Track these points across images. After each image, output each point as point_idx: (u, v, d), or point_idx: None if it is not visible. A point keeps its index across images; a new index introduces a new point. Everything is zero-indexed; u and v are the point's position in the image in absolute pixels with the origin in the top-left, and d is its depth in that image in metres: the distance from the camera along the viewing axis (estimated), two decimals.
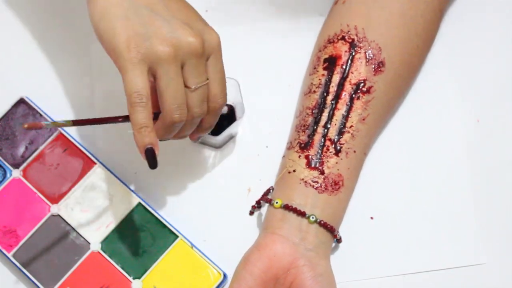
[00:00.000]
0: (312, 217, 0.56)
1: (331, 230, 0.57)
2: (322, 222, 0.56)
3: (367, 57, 0.59)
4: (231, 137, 0.64)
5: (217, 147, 0.64)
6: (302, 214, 0.56)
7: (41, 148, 0.63)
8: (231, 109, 0.62)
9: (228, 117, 0.62)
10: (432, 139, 0.64)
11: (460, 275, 0.60)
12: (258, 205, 0.61)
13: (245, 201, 0.62)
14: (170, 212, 0.62)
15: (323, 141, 0.58)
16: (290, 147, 0.60)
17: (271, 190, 0.60)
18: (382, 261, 0.60)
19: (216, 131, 0.61)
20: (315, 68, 0.62)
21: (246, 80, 0.66)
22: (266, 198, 0.59)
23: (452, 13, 0.68)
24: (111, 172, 0.63)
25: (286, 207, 0.57)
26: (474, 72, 0.67)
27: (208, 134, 0.60)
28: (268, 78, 0.67)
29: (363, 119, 0.59)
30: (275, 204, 0.57)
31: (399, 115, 0.65)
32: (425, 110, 0.65)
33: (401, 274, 0.60)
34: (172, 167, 0.64)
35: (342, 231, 0.61)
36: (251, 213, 0.62)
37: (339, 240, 0.59)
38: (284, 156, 0.61)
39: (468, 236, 0.61)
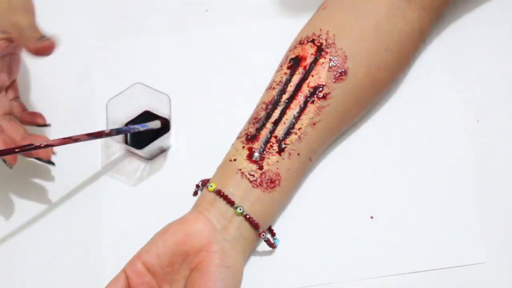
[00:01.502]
0: (240, 209, 0.57)
1: (255, 226, 0.57)
2: (247, 216, 0.57)
3: (331, 63, 0.60)
4: (162, 151, 0.64)
5: (147, 159, 0.64)
6: (231, 203, 0.57)
7: None
8: (166, 123, 0.62)
9: (159, 131, 0.62)
10: (432, 139, 0.64)
11: (460, 274, 0.60)
12: (202, 185, 0.61)
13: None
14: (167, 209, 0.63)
15: (268, 137, 0.59)
16: (238, 136, 0.61)
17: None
18: (382, 261, 0.60)
19: (143, 144, 0.61)
20: (281, 66, 0.62)
21: (245, 79, 0.66)
22: (203, 180, 0.60)
23: (452, 13, 0.68)
24: None
25: (218, 193, 0.57)
26: (474, 72, 0.67)
27: (132, 146, 0.61)
28: (268, 76, 0.67)
29: (314, 124, 0.59)
30: (209, 187, 0.58)
31: (399, 115, 0.65)
32: (425, 110, 0.65)
33: (401, 273, 0.60)
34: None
35: (342, 231, 0.61)
36: (195, 193, 0.62)
37: (271, 245, 0.59)
38: (232, 144, 0.61)
39: (468, 235, 0.61)
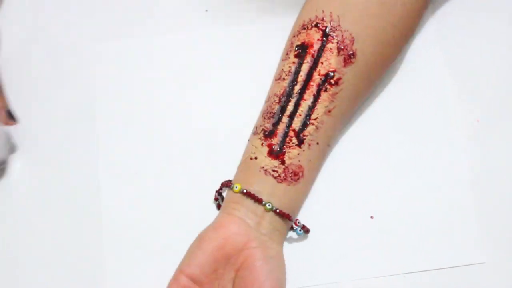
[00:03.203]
0: (268, 205, 0.57)
1: (287, 217, 0.58)
2: (278, 211, 0.57)
3: (339, 47, 0.59)
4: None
5: None
6: (259, 201, 0.57)
7: None
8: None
9: None
10: (432, 139, 0.64)
11: (460, 274, 0.60)
12: (219, 194, 0.61)
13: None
14: (167, 208, 0.63)
15: (286, 131, 0.59)
16: (255, 132, 0.60)
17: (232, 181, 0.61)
18: (382, 261, 0.60)
19: None
20: (287, 54, 0.61)
21: (246, 78, 0.66)
22: (226, 182, 0.60)
23: (452, 12, 0.68)
24: None
25: (245, 193, 0.57)
26: (474, 72, 0.67)
27: None
28: (268, 76, 0.66)
29: (329, 111, 0.59)
30: (234, 188, 0.58)
31: (399, 115, 0.65)
32: (425, 110, 0.65)
33: (401, 273, 0.60)
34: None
35: (341, 231, 0.61)
36: (216, 199, 0.62)
37: (306, 230, 0.59)
38: (249, 140, 0.61)
39: (468, 235, 0.61)
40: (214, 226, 0.57)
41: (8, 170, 0.64)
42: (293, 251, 0.60)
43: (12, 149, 0.63)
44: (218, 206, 0.61)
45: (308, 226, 0.61)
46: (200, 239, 0.56)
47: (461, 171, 0.63)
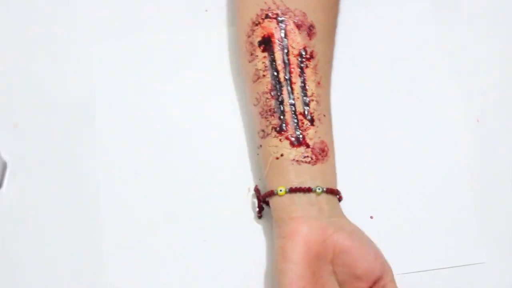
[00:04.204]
0: (318, 189, 0.57)
1: (337, 193, 0.58)
2: (327, 190, 0.57)
3: (297, 25, 0.60)
4: None
5: None
6: (308, 190, 0.57)
7: None
8: None
9: None
10: (431, 138, 0.64)
11: (460, 274, 0.60)
12: (261, 207, 0.61)
13: (244, 201, 0.62)
14: (167, 208, 0.63)
15: (295, 117, 0.59)
16: (264, 135, 0.60)
17: (258, 187, 0.61)
18: None
19: None
20: (251, 54, 0.61)
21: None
22: (267, 193, 0.59)
23: (452, 12, 0.68)
24: None
25: (291, 190, 0.57)
26: (474, 72, 0.67)
27: None
28: None
29: (318, 83, 0.60)
30: (279, 192, 0.57)
31: (398, 115, 0.65)
32: (425, 110, 0.65)
33: (401, 273, 0.60)
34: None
35: None
36: (259, 216, 0.62)
37: (340, 199, 0.60)
38: (260, 146, 0.60)
39: (468, 235, 0.61)
40: (287, 237, 0.56)
41: (7, 171, 0.65)
42: None
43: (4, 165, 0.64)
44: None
45: None
46: (283, 254, 0.55)
47: (461, 171, 0.63)
